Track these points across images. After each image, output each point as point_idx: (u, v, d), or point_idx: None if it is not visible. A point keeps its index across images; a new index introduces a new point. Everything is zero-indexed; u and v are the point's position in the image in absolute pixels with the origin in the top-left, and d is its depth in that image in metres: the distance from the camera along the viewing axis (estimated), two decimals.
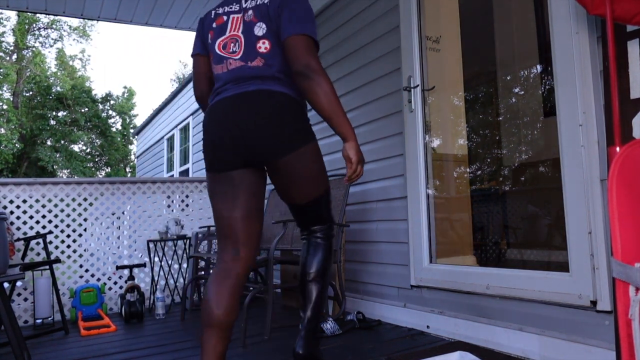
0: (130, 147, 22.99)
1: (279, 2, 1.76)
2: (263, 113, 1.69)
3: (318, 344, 1.89)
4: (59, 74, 21.35)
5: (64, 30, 21.55)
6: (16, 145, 18.41)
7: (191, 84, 8.37)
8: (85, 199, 3.84)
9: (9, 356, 2.37)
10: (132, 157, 22.85)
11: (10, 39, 19.89)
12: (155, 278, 3.89)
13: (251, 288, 3.33)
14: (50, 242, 3.66)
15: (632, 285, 1.09)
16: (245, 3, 1.84)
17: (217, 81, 1.84)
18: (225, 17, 1.85)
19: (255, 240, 1.80)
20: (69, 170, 20.27)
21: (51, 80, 20.70)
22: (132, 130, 22.01)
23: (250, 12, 1.80)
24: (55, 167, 19.83)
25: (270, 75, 1.75)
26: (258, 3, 1.80)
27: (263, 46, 1.77)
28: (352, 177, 1.71)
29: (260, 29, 1.78)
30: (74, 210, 3.79)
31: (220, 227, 1.79)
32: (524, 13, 4.13)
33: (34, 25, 20.81)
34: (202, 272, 3.83)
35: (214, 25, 1.87)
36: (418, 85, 2.84)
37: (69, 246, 3.76)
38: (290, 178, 1.74)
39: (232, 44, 1.81)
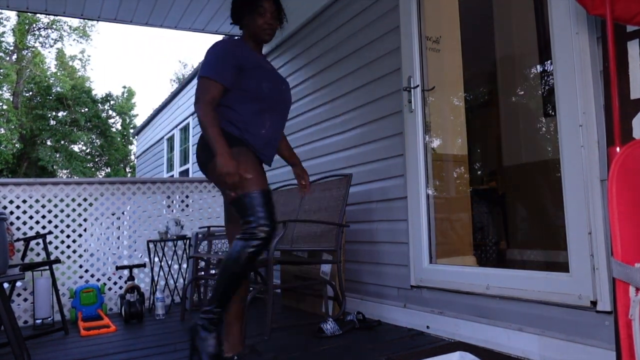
0: (130, 147, 22.98)
1: None
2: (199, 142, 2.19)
3: (213, 336, 1.95)
4: (58, 74, 21.32)
5: (64, 31, 21.56)
6: (16, 145, 18.41)
7: (191, 84, 8.42)
8: (85, 199, 3.84)
9: (9, 356, 2.37)
10: (132, 157, 22.84)
11: (10, 39, 19.90)
12: (155, 278, 3.89)
13: (251, 288, 3.33)
14: (50, 243, 3.66)
15: (632, 285, 1.09)
16: None
17: None
18: None
19: None
20: (68, 171, 20.25)
21: (51, 81, 20.68)
22: (132, 131, 21.99)
23: None
24: (55, 167, 19.82)
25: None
26: None
27: None
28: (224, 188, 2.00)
29: None
30: (73, 210, 3.79)
31: None
32: (524, 13, 4.12)
33: (34, 25, 20.80)
34: (202, 273, 3.83)
35: None
36: (418, 86, 2.84)
37: (68, 246, 3.76)
38: (215, 182, 2.18)
39: None
